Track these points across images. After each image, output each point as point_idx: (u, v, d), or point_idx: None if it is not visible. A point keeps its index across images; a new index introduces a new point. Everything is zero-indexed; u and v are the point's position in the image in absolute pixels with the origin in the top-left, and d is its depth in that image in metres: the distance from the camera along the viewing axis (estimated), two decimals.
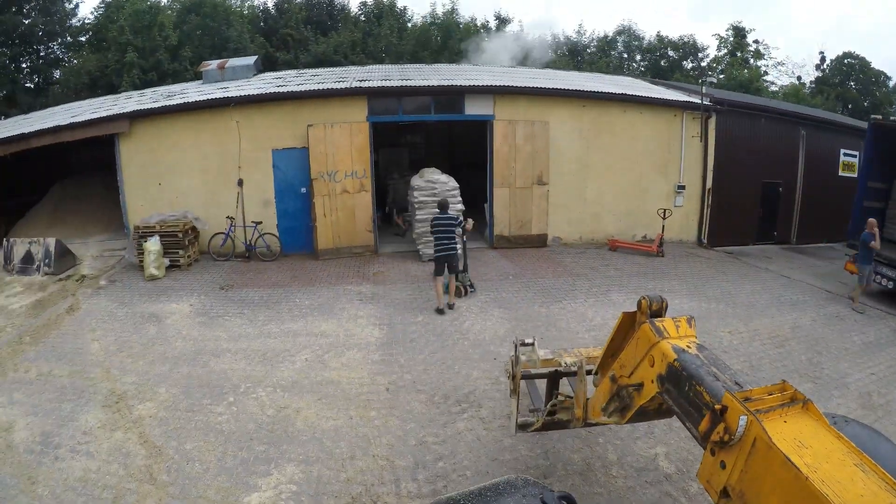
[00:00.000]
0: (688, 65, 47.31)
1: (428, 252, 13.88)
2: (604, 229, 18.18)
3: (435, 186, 14.64)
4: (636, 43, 48.20)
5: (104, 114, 15.92)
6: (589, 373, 5.13)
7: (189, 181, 15.59)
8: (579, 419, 5.16)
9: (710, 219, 19.29)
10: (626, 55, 47.30)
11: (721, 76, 45.66)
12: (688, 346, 3.92)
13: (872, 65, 49.16)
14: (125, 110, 15.75)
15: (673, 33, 62.49)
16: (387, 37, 32.99)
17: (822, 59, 51.22)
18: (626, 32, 48.58)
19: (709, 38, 74.28)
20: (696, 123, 18.52)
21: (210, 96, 15.91)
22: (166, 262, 13.91)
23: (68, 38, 36.29)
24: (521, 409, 5.77)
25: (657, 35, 48.50)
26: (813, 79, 50.74)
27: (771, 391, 3.34)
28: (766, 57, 49.12)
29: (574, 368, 5.35)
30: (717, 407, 3.25)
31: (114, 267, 14.53)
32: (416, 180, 15.01)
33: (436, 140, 24.72)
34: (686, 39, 48.12)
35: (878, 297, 13.64)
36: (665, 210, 17.17)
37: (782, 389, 3.35)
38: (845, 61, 50.54)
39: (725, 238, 19.13)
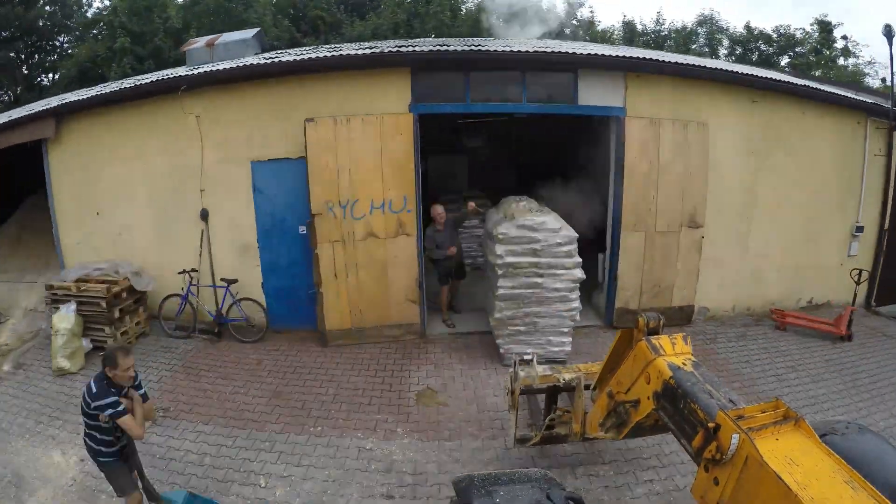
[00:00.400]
0: (782, 60, 40.32)
1: (514, 348, 8.36)
2: (764, 293, 12.14)
3: (536, 237, 8.13)
4: (718, 36, 41.16)
5: (26, 112, 10.51)
6: (588, 387, 5.23)
7: (134, 211, 9.95)
8: (577, 434, 5.30)
9: (882, 271, 13.78)
10: (706, 48, 40.39)
11: (817, 73, 38.90)
12: (683, 364, 3.97)
13: None
14: (50, 106, 10.22)
15: (764, 24, 55.02)
16: (436, 15, 26.79)
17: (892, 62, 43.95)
18: (708, 22, 41.87)
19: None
20: (880, 137, 12.95)
21: (154, 79, 10.24)
22: (86, 344, 8.79)
23: (78, 31, 31.92)
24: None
25: (746, 26, 41.34)
26: None
27: (764, 409, 3.42)
28: (855, 55, 41.53)
29: (572, 384, 5.41)
30: (711, 425, 3.30)
31: (36, 335, 9.62)
32: (502, 226, 8.35)
33: (497, 144, 18.73)
34: (783, 31, 40.67)
35: None
36: (861, 272, 11.80)
37: (775, 407, 3.44)
38: None
39: (886, 295, 14.01)
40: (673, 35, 41.53)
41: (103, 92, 10.14)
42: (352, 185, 8.72)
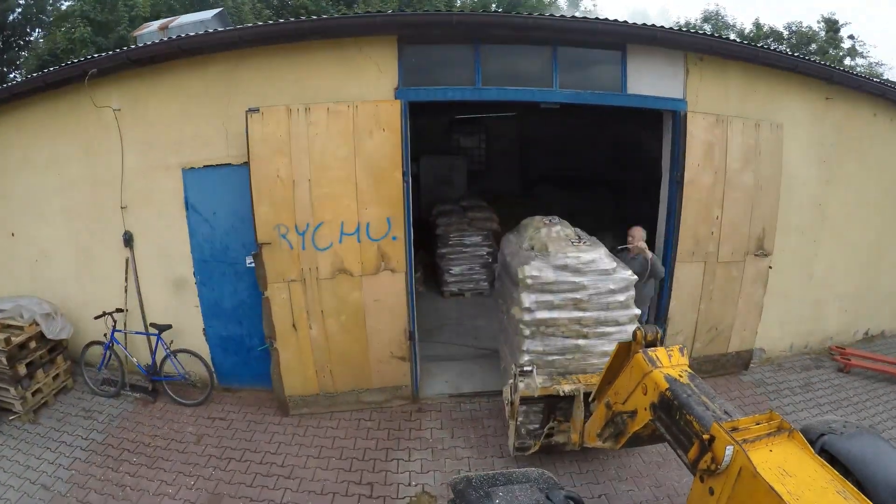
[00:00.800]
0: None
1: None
2: (823, 326, 10.10)
3: (580, 282, 5.78)
4: (725, 32, 39.72)
5: None
6: (587, 397, 5.14)
7: (50, 232, 7.60)
8: (576, 443, 5.31)
9: None
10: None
11: None
12: (680, 376, 3.94)
13: None
14: None
15: (775, 21, 54.39)
16: (431, 2, 24.55)
17: None
18: (714, 18, 40.35)
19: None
20: None
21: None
22: None
23: (51, 25, 29.15)
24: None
25: (755, 23, 39.29)
26: None
27: (758, 421, 3.42)
28: (863, 55, 39.94)
29: (572, 395, 5.36)
30: (706, 436, 3.32)
31: None
32: (531, 265, 5.90)
33: (496, 142, 16.45)
34: (794, 28, 38.94)
35: None
36: None
37: (769, 419, 3.43)
38: None
39: None
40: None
41: (7, 86, 7.59)
42: (313, 202, 6.21)
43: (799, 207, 8.61)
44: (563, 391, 5.37)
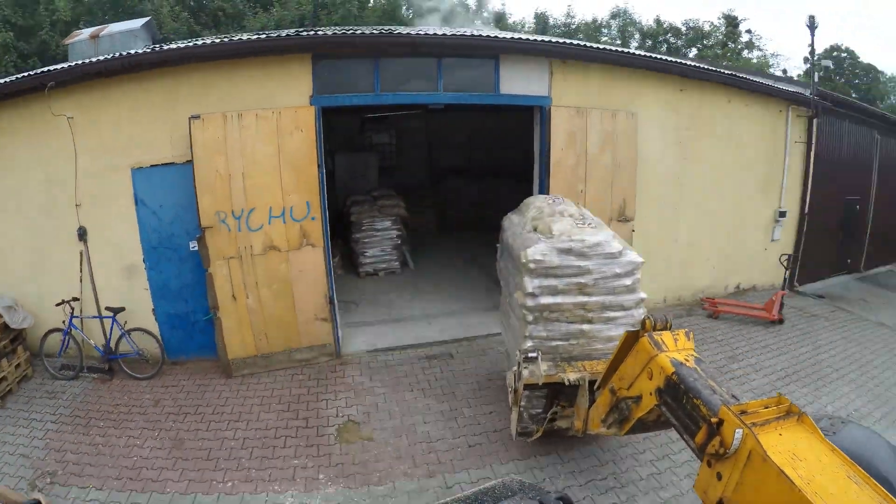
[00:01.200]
0: (690, 53, 42.15)
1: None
2: (693, 282, 12.06)
3: (586, 266, 5.66)
4: (630, 29, 42.27)
5: None
6: (592, 384, 5.08)
7: (7, 231, 8.35)
8: (579, 430, 5.29)
9: (803, 255, 14.36)
10: (619, 41, 41.00)
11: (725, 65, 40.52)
12: (686, 360, 3.90)
13: (861, 58, 48.62)
14: None
15: (673, 17, 58.09)
16: (343, 5, 25.39)
17: (811, 52, 47.68)
18: (622, 15, 42.96)
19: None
20: (800, 124, 13.40)
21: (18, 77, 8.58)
22: None
23: None
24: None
25: (656, 19, 43.02)
26: (802, 71, 45.25)
27: (767, 404, 3.36)
28: (759, 48, 44.92)
29: (577, 384, 5.27)
30: (714, 420, 3.27)
31: None
32: (535, 247, 5.71)
33: (406, 139, 17.49)
34: (691, 24, 42.34)
35: None
36: (788, 256, 11.84)
37: (778, 403, 3.38)
38: (833, 54, 48.59)
39: (805, 274, 14.93)
40: (583, 27, 41.80)
41: None
42: (246, 191, 7.58)
43: (659, 181, 10.38)
44: (569, 380, 5.25)
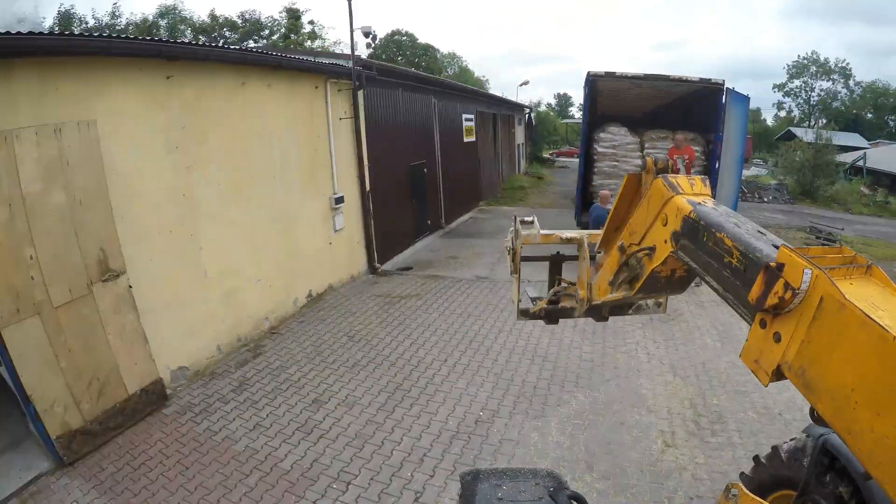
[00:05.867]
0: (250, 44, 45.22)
1: None
2: (251, 312, 10.54)
3: None
4: (182, 26, 43.88)
5: None
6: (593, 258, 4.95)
7: None
8: (584, 300, 4.86)
9: (377, 233, 14.95)
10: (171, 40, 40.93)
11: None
12: (704, 202, 3.52)
13: (419, 39, 62.56)
14: None
15: (231, 11, 64.73)
16: None
17: (374, 37, 59.30)
18: (171, 14, 43.96)
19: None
20: (344, 99, 13.49)
21: None
22: None
23: None
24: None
25: (210, 14, 45.56)
26: (366, 55, 55.78)
27: (828, 252, 2.93)
28: (322, 37, 51.44)
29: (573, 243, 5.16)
30: (772, 264, 2.73)
31: None
32: None
33: None
34: (248, 16, 46.33)
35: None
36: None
37: (841, 252, 2.98)
38: (394, 38, 61.42)
39: (387, 250, 15.98)
40: (132, 28, 42.19)
41: None
42: None
43: (153, 207, 8.26)
44: (565, 236, 5.07)
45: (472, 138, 25.71)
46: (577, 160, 18.16)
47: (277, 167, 10.88)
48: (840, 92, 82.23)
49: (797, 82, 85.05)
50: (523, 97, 55.58)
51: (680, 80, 15.65)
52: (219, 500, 6.09)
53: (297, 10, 49.81)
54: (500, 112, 33.91)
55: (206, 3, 78.89)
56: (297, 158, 11.53)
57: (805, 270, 2.57)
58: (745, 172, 35.09)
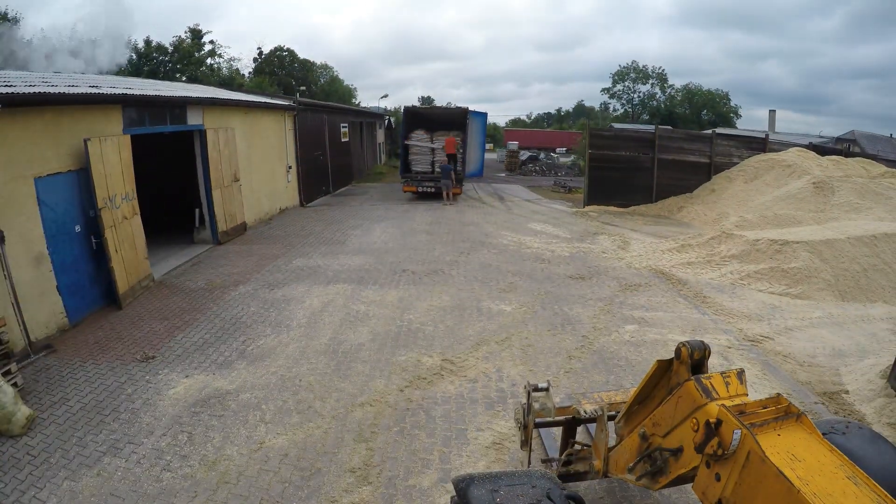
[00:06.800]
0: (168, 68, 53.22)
1: None
2: (264, 209, 25.69)
3: None
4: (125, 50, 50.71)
5: None
6: (610, 419, 4.94)
7: None
8: (599, 471, 4.90)
9: (304, 187, 29.75)
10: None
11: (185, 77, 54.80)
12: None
13: (300, 55, 70.45)
14: None
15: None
16: None
17: (261, 53, 68.32)
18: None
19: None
20: (290, 119, 28.00)
21: None
22: None
23: None
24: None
25: (146, 40, 53.75)
26: (251, 69, 66.45)
27: (765, 404, 3.46)
28: (220, 55, 59.38)
29: (594, 416, 5.11)
30: (712, 421, 3.31)
31: None
32: None
33: None
34: (155, 43, 54.15)
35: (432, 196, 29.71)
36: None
37: (777, 403, 3.48)
38: (277, 53, 69.00)
39: (308, 198, 30.07)
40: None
41: None
42: (114, 185, 16.63)
43: (244, 160, 23.25)
44: (585, 411, 5.16)
45: (347, 139, 37.65)
46: None
47: (271, 150, 26.02)
48: (656, 93, 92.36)
49: (620, 86, 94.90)
50: (402, 100, 64.83)
51: (448, 108, 33.89)
52: (322, 230, 21.72)
53: (200, 31, 55.75)
54: (366, 120, 46.58)
55: (143, 31, 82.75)
56: (276, 147, 26.52)
57: (735, 431, 3.12)
58: (566, 159, 56.90)
